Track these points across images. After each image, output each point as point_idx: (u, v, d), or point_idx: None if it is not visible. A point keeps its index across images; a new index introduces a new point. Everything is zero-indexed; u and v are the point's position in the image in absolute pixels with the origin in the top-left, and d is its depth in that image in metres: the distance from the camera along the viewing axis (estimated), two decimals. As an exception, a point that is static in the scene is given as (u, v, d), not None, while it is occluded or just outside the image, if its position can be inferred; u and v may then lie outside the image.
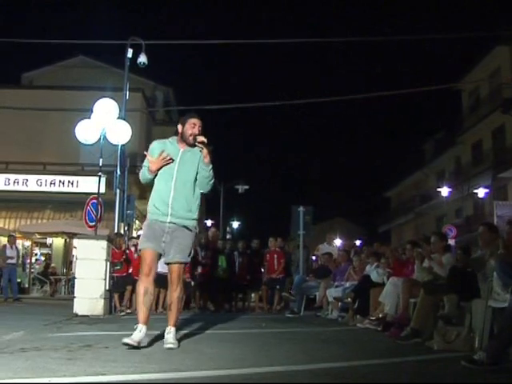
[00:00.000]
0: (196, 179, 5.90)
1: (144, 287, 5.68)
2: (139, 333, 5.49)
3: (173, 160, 5.85)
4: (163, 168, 5.85)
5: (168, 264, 5.88)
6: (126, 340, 5.35)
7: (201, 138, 5.81)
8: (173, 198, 5.78)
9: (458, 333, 6.42)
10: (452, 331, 6.48)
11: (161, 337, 5.83)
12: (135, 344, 5.35)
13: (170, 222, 5.78)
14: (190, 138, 5.86)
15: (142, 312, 5.65)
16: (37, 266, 24.85)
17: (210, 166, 5.88)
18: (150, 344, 5.84)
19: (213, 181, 5.99)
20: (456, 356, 5.61)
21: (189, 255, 5.95)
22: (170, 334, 5.69)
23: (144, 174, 5.92)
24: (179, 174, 5.84)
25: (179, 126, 5.98)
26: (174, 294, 5.82)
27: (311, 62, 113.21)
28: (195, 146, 5.89)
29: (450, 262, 7.76)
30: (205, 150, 5.81)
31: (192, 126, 5.90)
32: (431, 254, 8.22)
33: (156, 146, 5.99)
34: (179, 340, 5.88)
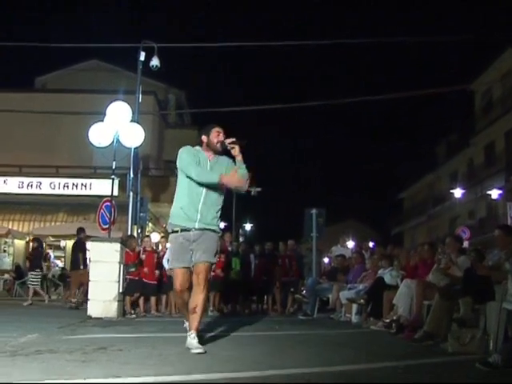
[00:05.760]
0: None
1: (182, 301, 6.09)
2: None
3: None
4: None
5: (194, 265, 5.92)
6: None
7: (229, 140, 6.06)
8: (202, 204, 5.93)
9: (472, 335, 6.39)
10: (466, 334, 6.45)
11: (175, 339, 5.83)
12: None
13: (196, 229, 5.89)
14: (218, 146, 6.09)
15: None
16: (55, 268, 24.83)
17: (244, 165, 6.06)
18: (165, 346, 5.86)
19: (247, 178, 6.13)
20: (471, 358, 5.59)
21: (214, 256, 6.03)
22: (195, 340, 5.66)
23: (207, 177, 5.97)
24: None
25: (204, 137, 6.15)
26: (201, 296, 5.85)
27: (327, 64, 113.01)
28: (223, 152, 6.16)
29: (465, 265, 7.72)
30: (237, 148, 6.03)
31: (217, 134, 6.11)
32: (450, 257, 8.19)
33: (192, 150, 6.17)
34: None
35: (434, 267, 8.59)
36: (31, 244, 18.87)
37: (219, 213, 6.12)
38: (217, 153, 6.15)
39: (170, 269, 6.22)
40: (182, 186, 6.05)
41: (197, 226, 5.90)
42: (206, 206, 5.95)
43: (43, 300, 16.54)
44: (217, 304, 13.74)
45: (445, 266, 8.04)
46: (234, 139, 6.06)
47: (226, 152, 6.18)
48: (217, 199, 6.08)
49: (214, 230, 6.01)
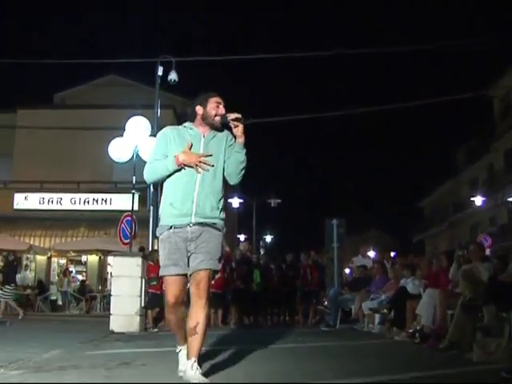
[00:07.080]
0: (223, 169, 4.85)
1: (176, 317, 4.72)
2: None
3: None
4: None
5: (192, 273, 4.61)
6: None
7: (234, 115, 4.81)
8: (198, 193, 4.67)
9: (497, 344, 6.33)
10: (491, 342, 6.39)
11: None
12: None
13: (193, 224, 4.63)
14: (217, 119, 4.86)
15: (180, 335, 4.76)
16: (72, 284, 24.98)
17: (245, 150, 4.86)
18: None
19: (244, 169, 4.88)
20: (496, 368, 5.53)
21: (219, 261, 4.71)
22: (196, 371, 4.36)
23: (157, 170, 4.81)
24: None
25: (198, 108, 4.90)
26: (202, 312, 4.50)
27: (342, 74, 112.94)
28: (223, 127, 4.94)
29: (488, 272, 7.65)
30: (240, 128, 4.81)
31: (216, 105, 4.87)
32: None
33: (170, 132, 4.93)
34: (215, 358, 5.76)
35: (453, 266, 8.55)
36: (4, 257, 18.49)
37: (221, 203, 4.79)
38: (214, 128, 4.90)
39: (161, 277, 4.76)
40: (169, 179, 4.80)
41: (193, 221, 4.63)
42: (203, 195, 4.67)
43: (18, 315, 16.12)
44: (237, 317, 13.73)
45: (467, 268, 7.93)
46: (238, 115, 4.80)
47: (225, 128, 4.95)
48: (216, 185, 4.76)
49: (216, 227, 4.70)
